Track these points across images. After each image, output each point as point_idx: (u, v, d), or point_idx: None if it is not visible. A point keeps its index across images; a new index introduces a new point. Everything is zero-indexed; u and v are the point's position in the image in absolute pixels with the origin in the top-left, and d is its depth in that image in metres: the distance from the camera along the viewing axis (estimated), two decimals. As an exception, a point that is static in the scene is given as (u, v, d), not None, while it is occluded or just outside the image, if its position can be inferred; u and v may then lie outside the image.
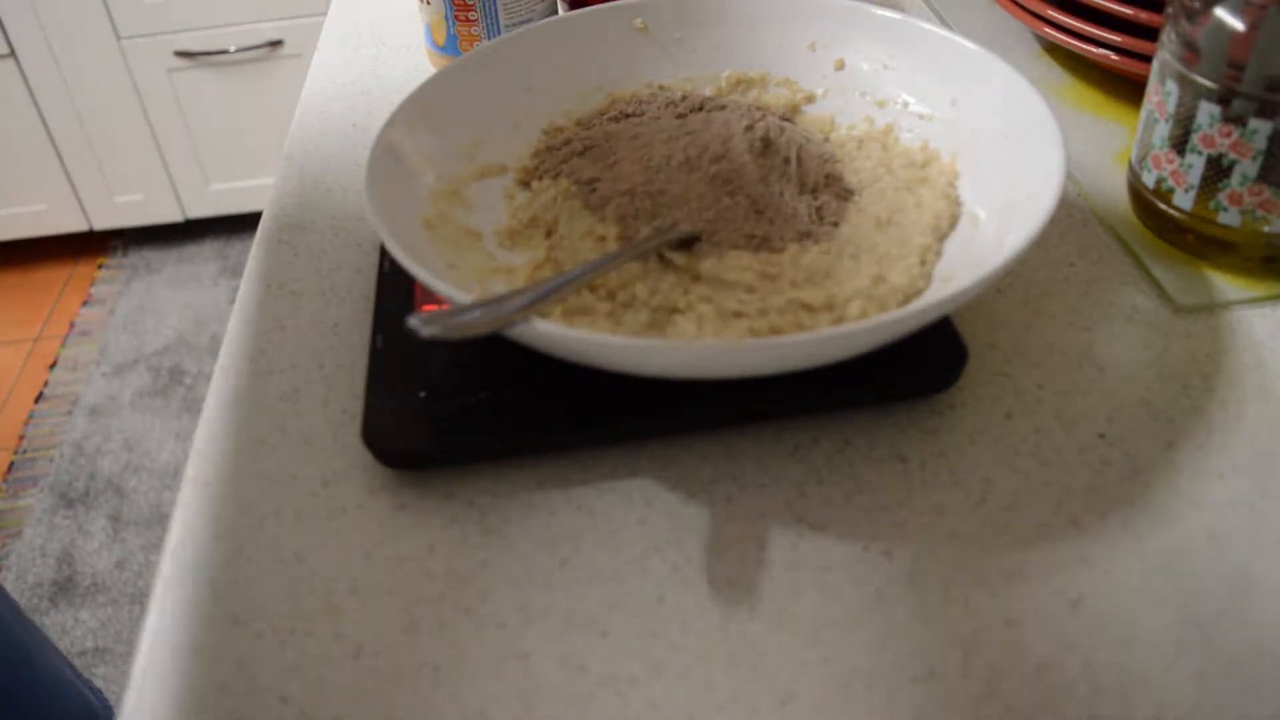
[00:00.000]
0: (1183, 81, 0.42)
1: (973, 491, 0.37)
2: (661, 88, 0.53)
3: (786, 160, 0.45)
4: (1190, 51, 0.42)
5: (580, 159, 0.48)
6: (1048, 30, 0.56)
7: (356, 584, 0.35)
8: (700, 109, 0.50)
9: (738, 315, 0.39)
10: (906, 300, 0.40)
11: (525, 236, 0.46)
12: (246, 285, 0.48)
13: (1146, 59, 0.52)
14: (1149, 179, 0.46)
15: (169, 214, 1.98)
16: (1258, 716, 0.30)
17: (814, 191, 0.45)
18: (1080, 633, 0.32)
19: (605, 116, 0.51)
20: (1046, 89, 0.58)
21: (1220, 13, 0.40)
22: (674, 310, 0.40)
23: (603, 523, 0.37)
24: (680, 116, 0.49)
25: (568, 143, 0.49)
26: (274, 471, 0.39)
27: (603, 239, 0.44)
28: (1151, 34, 0.52)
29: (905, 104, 0.49)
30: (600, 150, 0.48)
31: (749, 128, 0.45)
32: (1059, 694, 0.31)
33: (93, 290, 1.99)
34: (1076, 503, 0.36)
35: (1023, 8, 0.58)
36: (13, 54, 1.76)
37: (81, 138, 1.85)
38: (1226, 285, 0.45)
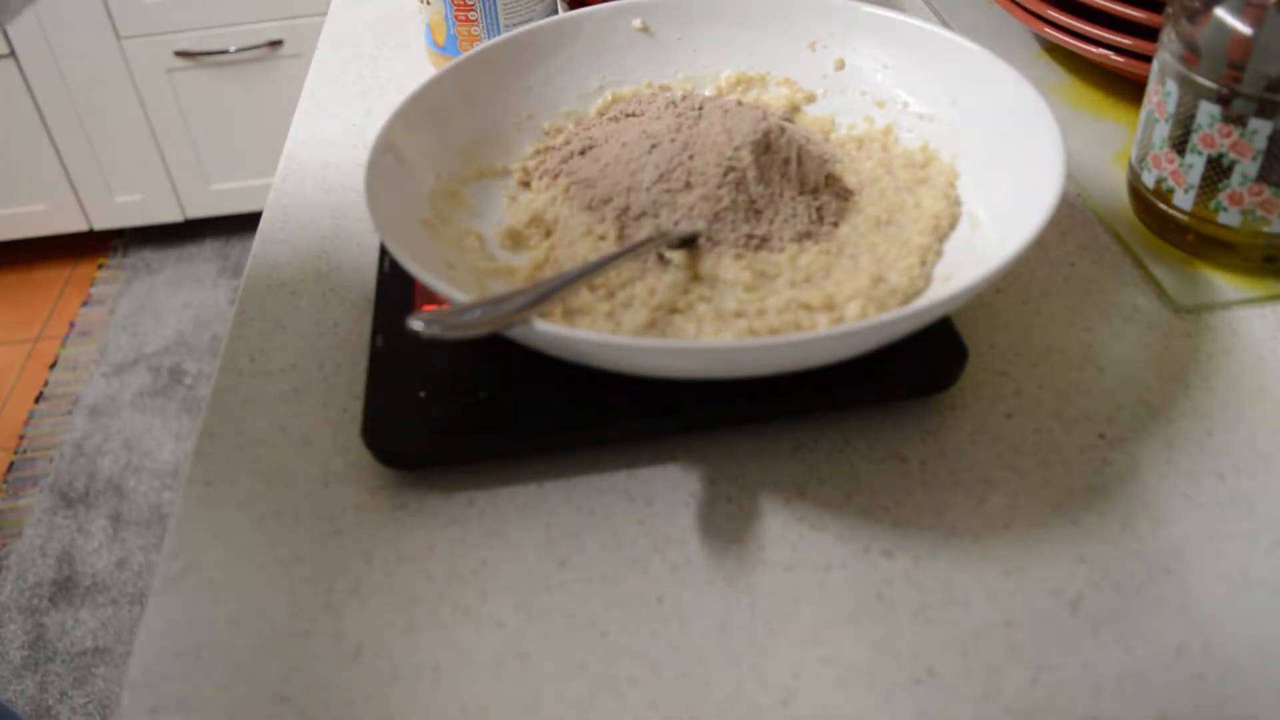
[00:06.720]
0: (1183, 81, 0.42)
1: (973, 491, 0.37)
2: (661, 88, 0.53)
3: (786, 160, 0.45)
4: (1190, 51, 0.42)
5: (580, 159, 0.48)
6: (1048, 30, 0.56)
7: (356, 584, 0.35)
8: (700, 109, 0.50)
9: (737, 315, 0.39)
10: (906, 300, 0.40)
11: (525, 236, 0.46)
12: (246, 285, 0.48)
13: (1146, 59, 0.52)
14: (1149, 179, 0.46)
15: (169, 214, 1.98)
16: (1258, 717, 0.30)
17: (814, 192, 0.45)
18: (1080, 633, 0.32)
19: (605, 116, 0.51)
20: (1046, 89, 0.58)
21: (1220, 13, 0.40)
22: (674, 310, 0.40)
23: (603, 523, 0.37)
24: (680, 116, 0.49)
25: (568, 143, 0.49)
26: (274, 471, 0.39)
27: (602, 239, 0.44)
28: (1151, 34, 0.52)
29: (905, 104, 0.49)
30: (600, 150, 0.48)
31: (749, 128, 0.45)
32: (1059, 694, 0.31)
33: (93, 290, 1.99)
34: (1076, 503, 0.36)
35: (1023, 8, 0.58)
36: (13, 54, 1.75)
37: (81, 138, 1.85)
38: (1226, 285, 0.45)
